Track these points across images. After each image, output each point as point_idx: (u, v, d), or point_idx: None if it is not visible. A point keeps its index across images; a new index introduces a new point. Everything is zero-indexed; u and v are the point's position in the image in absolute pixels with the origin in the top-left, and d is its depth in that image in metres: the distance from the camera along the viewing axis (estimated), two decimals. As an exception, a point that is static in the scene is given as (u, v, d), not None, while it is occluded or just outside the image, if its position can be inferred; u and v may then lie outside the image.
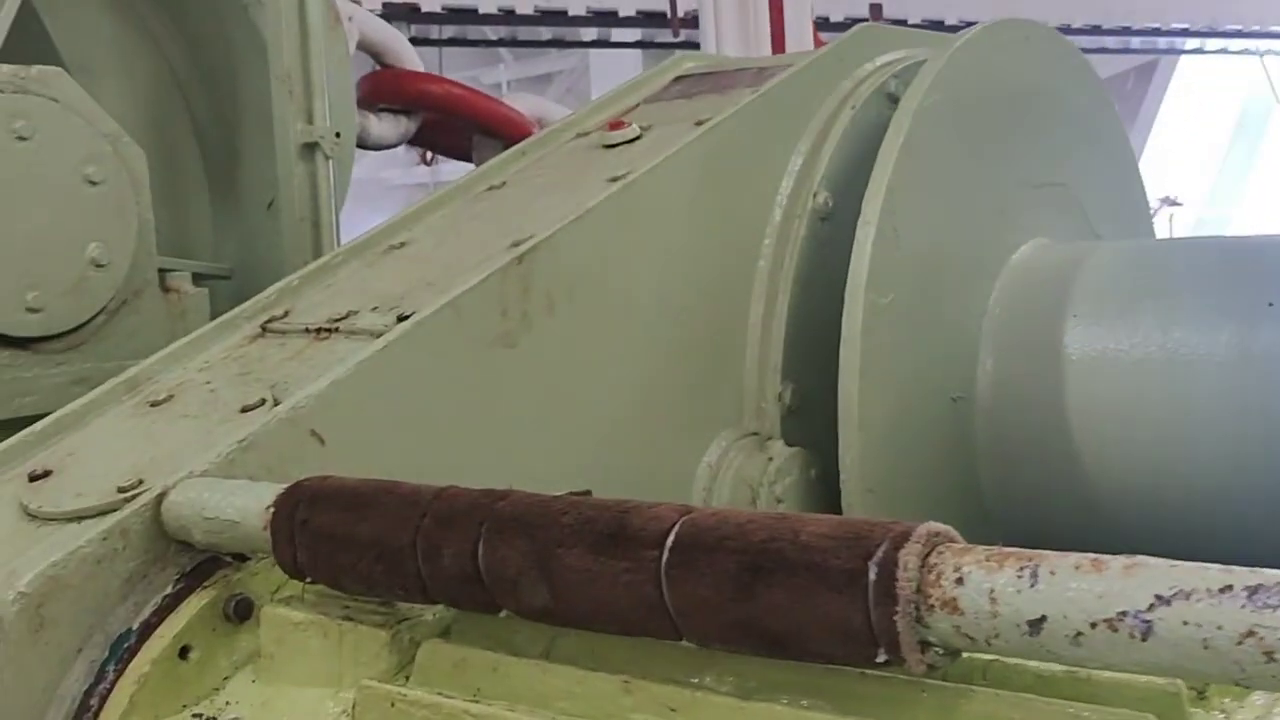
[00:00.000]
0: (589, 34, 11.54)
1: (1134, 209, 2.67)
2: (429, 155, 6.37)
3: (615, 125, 2.11)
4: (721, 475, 1.93)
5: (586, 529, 0.98)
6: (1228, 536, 1.95)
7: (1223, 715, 0.86)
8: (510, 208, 1.93)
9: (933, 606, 0.82)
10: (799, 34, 5.33)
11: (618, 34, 11.42)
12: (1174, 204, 14.60)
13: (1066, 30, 10.65)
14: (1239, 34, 14.51)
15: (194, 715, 1.22)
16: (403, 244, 1.90)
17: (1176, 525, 1.99)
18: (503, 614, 1.08)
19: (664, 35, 10.35)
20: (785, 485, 1.93)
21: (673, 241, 1.90)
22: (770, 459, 1.94)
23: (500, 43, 11.77)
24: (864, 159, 2.04)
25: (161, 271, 2.50)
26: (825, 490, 1.96)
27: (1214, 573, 0.75)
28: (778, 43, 5.21)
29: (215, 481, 1.29)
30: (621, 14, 10.45)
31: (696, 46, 6.04)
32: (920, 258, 2.02)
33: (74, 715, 1.21)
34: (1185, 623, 0.73)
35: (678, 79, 2.35)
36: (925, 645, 0.84)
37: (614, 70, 12.71)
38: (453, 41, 9.69)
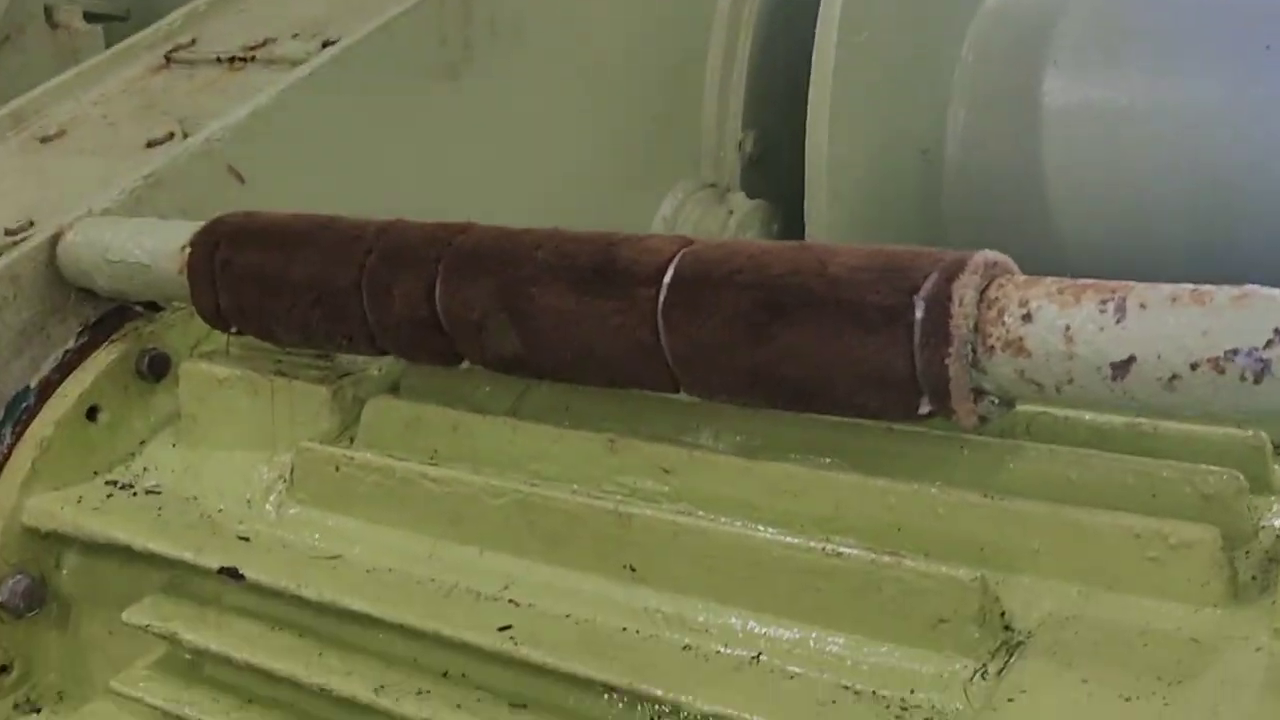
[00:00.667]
0: None
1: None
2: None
3: None
4: (678, 229, 1.78)
5: (566, 264, 0.83)
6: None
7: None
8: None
9: (993, 348, 0.69)
10: None
11: None
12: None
13: None
14: None
15: (107, 482, 1.08)
16: (324, -36, 1.68)
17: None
18: (464, 366, 0.93)
19: None
20: (748, 238, 1.79)
21: (628, -28, 1.71)
22: (730, 212, 1.80)
23: None
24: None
25: (47, 7, 2.24)
26: (790, 248, 1.83)
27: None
28: None
29: (119, 220, 1.12)
30: None
31: None
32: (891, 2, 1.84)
33: (-33, 483, 1.06)
34: (1310, 361, 0.61)
35: None
36: (979, 394, 0.71)
37: None
38: None
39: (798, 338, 0.74)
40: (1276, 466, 0.75)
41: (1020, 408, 0.78)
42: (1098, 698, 0.63)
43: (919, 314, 0.70)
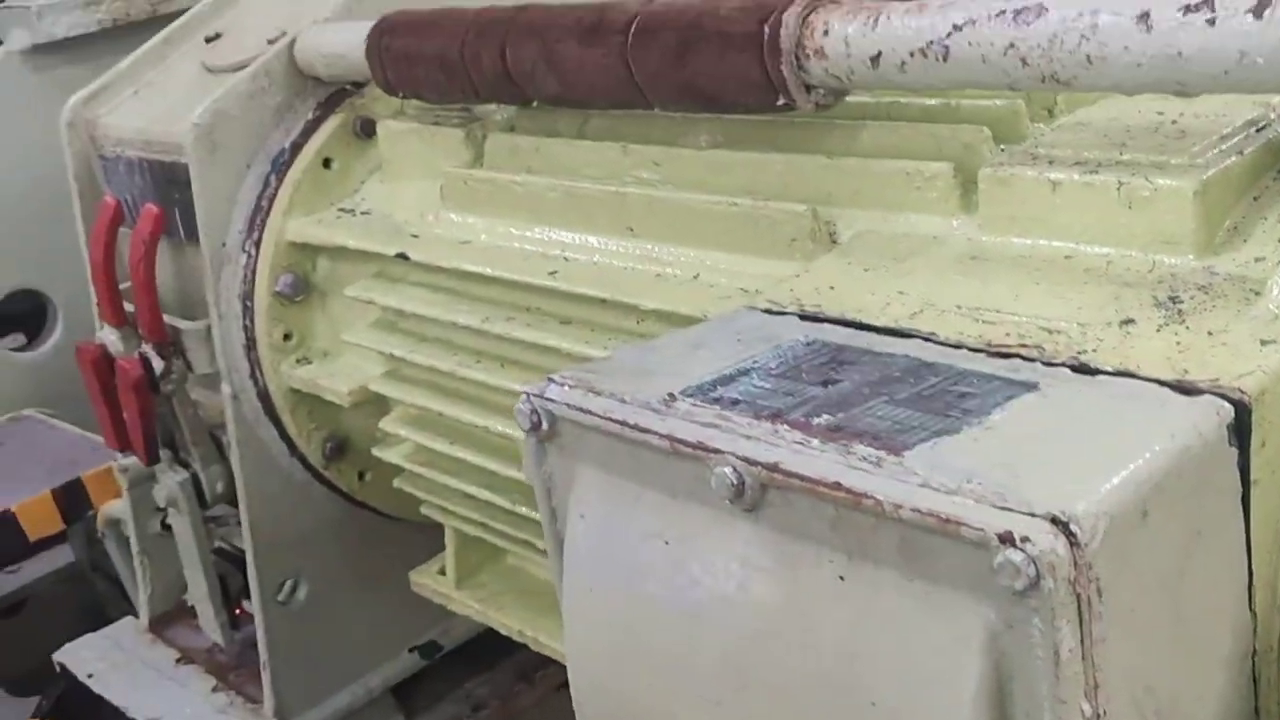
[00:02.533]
0: None
1: None
2: None
3: None
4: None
5: (576, 25, 1.23)
6: None
7: (1044, 124, 1.06)
8: None
9: (809, 55, 1.04)
10: None
11: None
12: None
13: None
14: None
15: (339, 210, 1.57)
16: None
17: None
18: (534, 105, 1.35)
19: None
20: None
21: None
22: None
23: None
24: None
25: None
26: None
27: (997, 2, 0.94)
28: None
29: (330, 25, 1.58)
30: None
31: None
32: None
33: (250, 215, 1.58)
34: (970, 44, 0.93)
35: None
36: (809, 88, 1.06)
37: None
38: None
39: (704, 61, 1.11)
40: (1034, 125, 1.06)
41: (852, 99, 1.11)
42: (854, 267, 1.00)
43: (765, 36, 1.06)
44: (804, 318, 0.93)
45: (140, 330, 1.63)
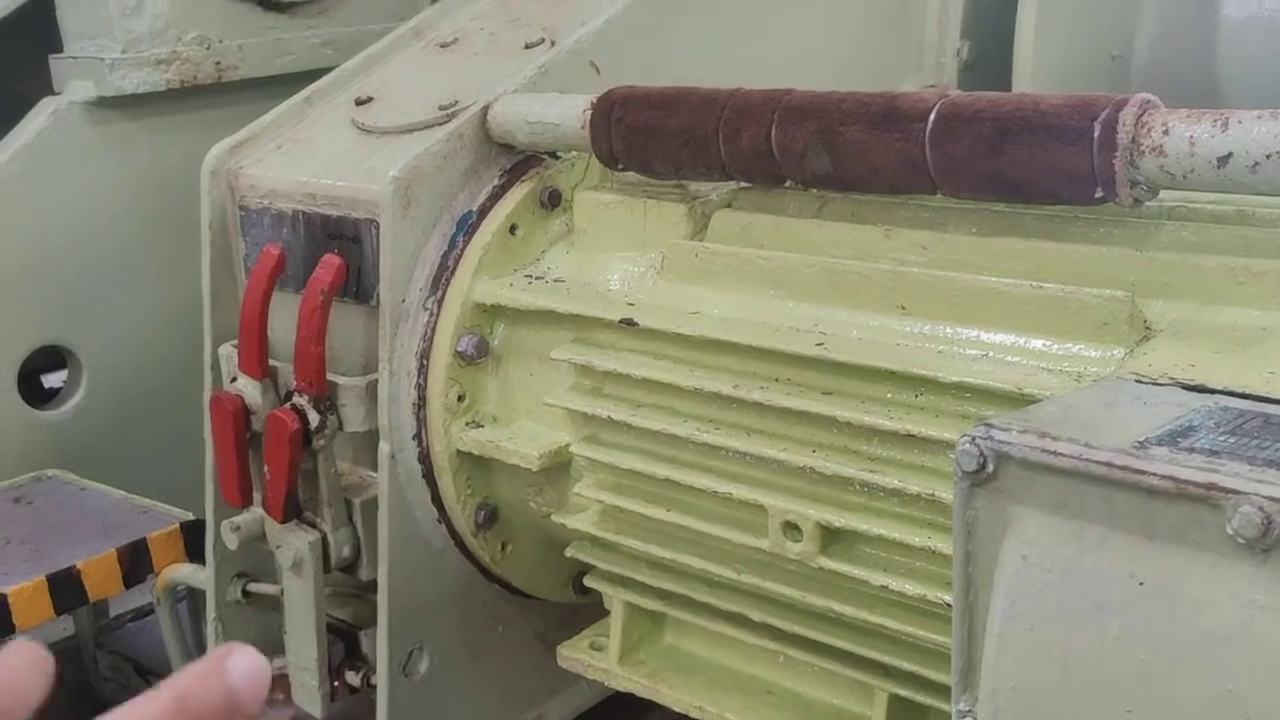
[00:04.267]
0: None
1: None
2: None
3: None
4: (906, 121, 2.20)
5: (862, 110, 1.28)
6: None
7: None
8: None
9: (1143, 152, 1.11)
10: None
11: None
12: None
13: None
14: None
15: (525, 276, 1.58)
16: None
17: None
18: (786, 185, 1.39)
19: None
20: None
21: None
22: (950, 106, 2.21)
23: None
24: None
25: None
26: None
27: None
28: None
29: (531, 95, 1.61)
30: None
31: None
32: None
33: (435, 274, 1.57)
34: (1337, 149, 1.02)
35: None
36: (1133, 184, 1.14)
37: None
38: None
39: (1021, 152, 1.18)
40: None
41: (1162, 196, 1.19)
42: (1200, 350, 1.06)
43: (1097, 132, 1.13)
44: (1188, 389, 0.99)
45: (297, 384, 1.59)
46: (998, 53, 2.19)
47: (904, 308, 1.28)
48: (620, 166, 1.51)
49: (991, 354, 1.21)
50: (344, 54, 2.51)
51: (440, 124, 1.66)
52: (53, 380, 2.50)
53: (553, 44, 1.78)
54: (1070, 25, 2.22)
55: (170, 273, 2.33)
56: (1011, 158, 1.19)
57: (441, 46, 1.92)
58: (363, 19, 2.63)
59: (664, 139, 1.43)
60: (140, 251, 2.38)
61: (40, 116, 2.29)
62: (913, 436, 1.20)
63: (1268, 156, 1.05)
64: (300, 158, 1.76)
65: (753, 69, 1.95)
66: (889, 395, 1.25)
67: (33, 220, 2.28)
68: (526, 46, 1.80)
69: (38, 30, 2.41)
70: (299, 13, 2.56)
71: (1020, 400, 1.13)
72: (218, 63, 2.43)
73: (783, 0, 2.01)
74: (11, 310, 2.26)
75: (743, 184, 1.47)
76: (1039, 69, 2.16)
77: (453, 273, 1.57)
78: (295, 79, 2.43)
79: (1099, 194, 1.15)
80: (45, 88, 2.37)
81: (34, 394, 2.40)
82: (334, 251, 1.60)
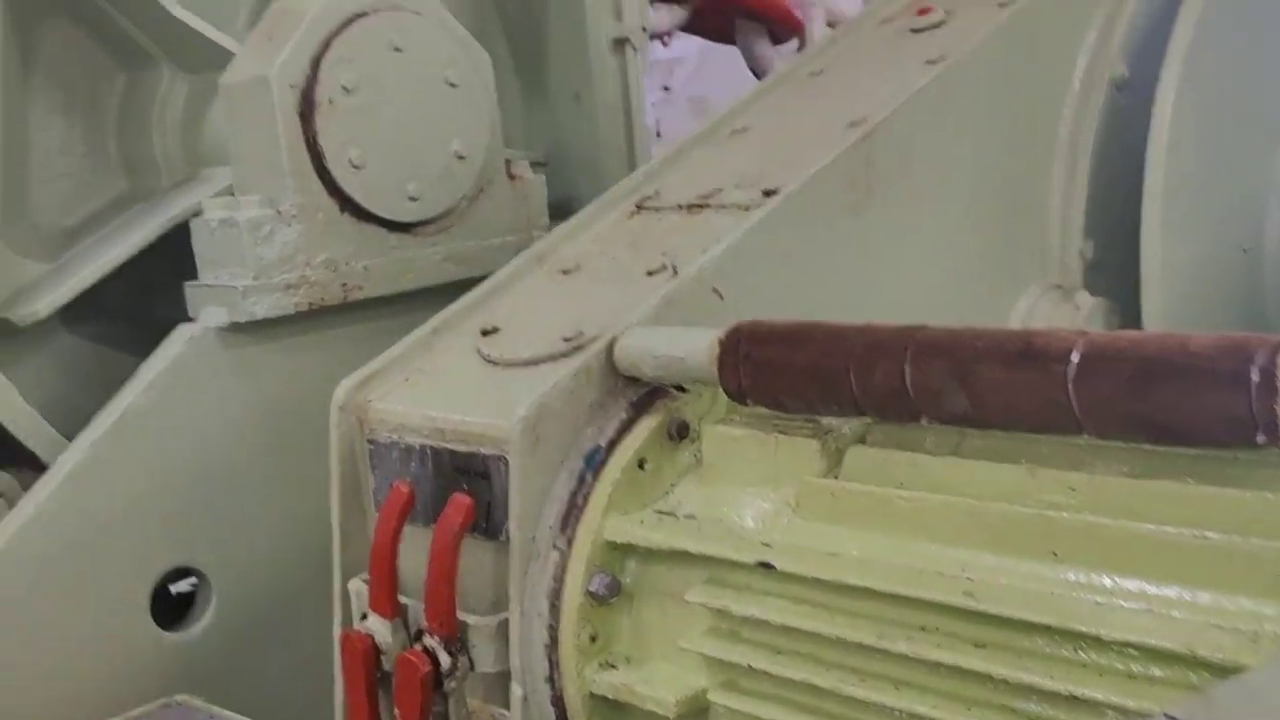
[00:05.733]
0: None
1: None
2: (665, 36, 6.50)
3: (920, 10, 2.33)
4: (1033, 323, 2.16)
5: (998, 349, 1.26)
6: None
7: None
8: (838, 91, 2.18)
9: (1307, 397, 1.06)
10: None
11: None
12: None
13: None
14: None
15: (657, 512, 1.55)
16: (745, 129, 2.18)
17: None
18: (922, 422, 1.36)
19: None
20: (1092, 331, 2.16)
21: (985, 115, 2.13)
22: (1077, 308, 2.17)
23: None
24: (1154, 31, 2.21)
25: (505, 161, 2.83)
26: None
27: None
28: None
29: (656, 329, 1.61)
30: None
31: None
32: (1213, 120, 2.18)
33: (564, 511, 1.55)
34: None
35: (969, -37, 2.53)
36: (1296, 428, 1.08)
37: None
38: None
39: (1170, 395, 1.14)
40: None
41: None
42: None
43: (1255, 377, 1.09)
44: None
45: (427, 624, 1.58)
46: (1124, 250, 2.15)
47: (1056, 554, 1.23)
48: (750, 402, 1.49)
49: (1155, 608, 1.14)
50: (464, 268, 2.58)
51: (565, 356, 1.66)
52: (180, 586, 2.53)
53: (675, 271, 1.79)
54: (1197, 220, 2.18)
55: (299, 495, 2.35)
56: (1159, 401, 1.14)
57: (563, 273, 1.95)
58: (482, 234, 2.68)
59: (793, 376, 1.42)
60: (269, 473, 2.42)
61: (177, 343, 2.36)
62: (1075, 698, 1.13)
63: None
64: (428, 391, 1.78)
65: (879, 288, 1.94)
66: (1046, 650, 1.19)
67: (168, 442, 2.33)
68: (649, 274, 1.81)
69: (176, 257, 2.50)
70: (422, 231, 2.63)
71: (1192, 661, 1.07)
72: (344, 284, 2.49)
73: (906, 219, 2.01)
74: (145, 533, 2.30)
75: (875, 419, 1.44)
76: (1168, 266, 2.12)
77: (582, 510, 1.55)
78: (417, 295, 2.49)
79: (1262, 440, 1.10)
80: (182, 312, 2.45)
81: (159, 603, 2.42)
82: (463, 489, 1.61)
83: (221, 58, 2.47)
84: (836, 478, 1.44)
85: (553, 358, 1.68)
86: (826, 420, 1.49)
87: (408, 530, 1.64)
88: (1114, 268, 2.23)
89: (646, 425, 1.60)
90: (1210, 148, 2.17)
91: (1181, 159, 2.11)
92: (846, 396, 1.38)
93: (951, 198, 2.09)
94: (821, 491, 1.41)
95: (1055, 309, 2.18)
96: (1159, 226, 2.08)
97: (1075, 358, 1.20)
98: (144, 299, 2.70)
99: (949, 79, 2.06)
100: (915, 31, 2.29)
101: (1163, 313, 2.10)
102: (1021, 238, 2.21)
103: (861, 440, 1.47)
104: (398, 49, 2.52)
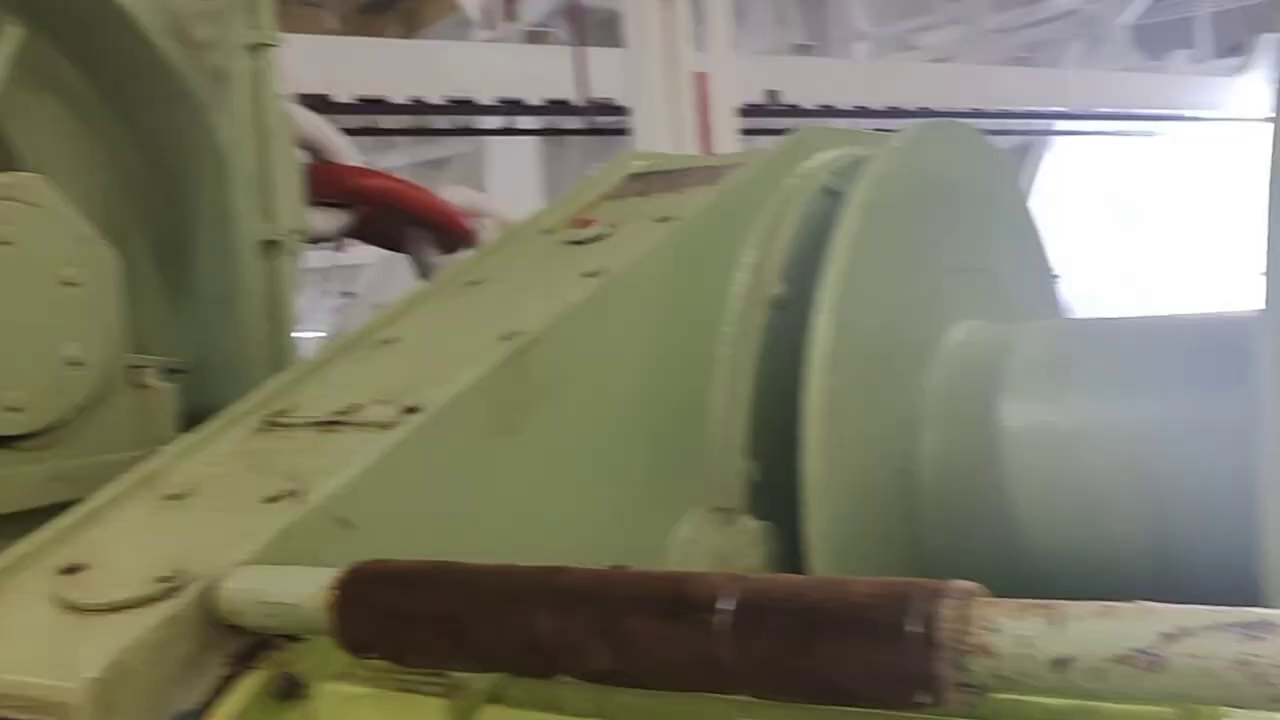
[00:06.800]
0: (493, 122, 11.74)
1: (1044, 289, 2.89)
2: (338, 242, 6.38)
3: (581, 223, 2.26)
4: (694, 549, 2.05)
5: (646, 597, 1.10)
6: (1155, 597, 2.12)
7: (1214, 737, 1.01)
8: (493, 303, 2.06)
9: (971, 652, 0.96)
10: (723, 124, 5.57)
11: (521, 121, 11.66)
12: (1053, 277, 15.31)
13: (950, 114, 11.19)
14: (1113, 116, 15.40)
15: (255, 788, 1.30)
16: (394, 339, 2.01)
17: (1105, 586, 2.16)
18: (562, 679, 1.19)
19: (565, 122, 10.64)
20: (756, 556, 2.06)
21: (645, 332, 2.04)
22: (741, 532, 2.07)
23: (407, 131, 11.89)
24: (813, 250, 2.21)
25: (129, 368, 2.56)
26: (792, 560, 2.10)
27: (1205, 612, 0.90)
28: (703, 133, 5.44)
29: (268, 569, 1.39)
30: (527, 102, 10.68)
31: (606, 133, 6.25)
32: (869, 340, 2.18)
33: (146, 795, 1.28)
34: (1191, 655, 0.88)
35: (631, 177, 2.51)
36: (962, 686, 0.97)
37: (506, 154, 12.99)
38: (364, 131, 9.75)
39: (832, 650, 1.01)
40: (1190, 734, 1.01)
41: (999, 695, 1.03)
42: None
43: (919, 629, 0.97)
44: None
45: None
46: (787, 470, 2.09)
47: (709, 836, 1.06)
48: (372, 656, 1.28)
49: None
50: (73, 487, 2.25)
51: (156, 601, 1.41)
52: None
53: (299, 498, 1.57)
54: (855, 440, 2.14)
55: None
56: (824, 657, 1.01)
57: (171, 498, 1.69)
58: (98, 449, 2.39)
59: (419, 625, 1.22)
60: None
61: None
62: None
63: (1114, 661, 0.91)
64: (-9, 644, 1.48)
65: (532, 516, 1.79)
66: None
67: None
68: (266, 500, 1.59)
69: None
70: (25, 445, 2.31)
71: None
72: (-77, 507, 2.14)
73: (563, 440, 1.87)
74: None
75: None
76: (828, 487, 2.06)
77: (168, 795, 1.29)
78: (14, 519, 2.16)
79: (925, 699, 0.98)
80: None
81: None
82: (19, 769, 1.31)
83: None
84: (467, 744, 1.24)
85: (141, 603, 1.42)
86: (457, 675, 1.30)
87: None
88: (778, 488, 2.16)
89: (248, 684, 1.36)
90: (865, 369, 2.16)
91: (838, 379, 2.08)
92: (478, 649, 1.19)
93: (611, 417, 1.98)
94: (448, 763, 1.21)
95: (718, 533, 2.08)
96: (818, 447, 2.02)
97: (730, 606, 1.06)
98: None
99: (607, 293, 1.97)
100: (575, 244, 2.21)
101: (825, 533, 2.04)
102: (684, 458, 2.11)
103: (496, 699, 1.28)
104: (6, 242, 2.25)
